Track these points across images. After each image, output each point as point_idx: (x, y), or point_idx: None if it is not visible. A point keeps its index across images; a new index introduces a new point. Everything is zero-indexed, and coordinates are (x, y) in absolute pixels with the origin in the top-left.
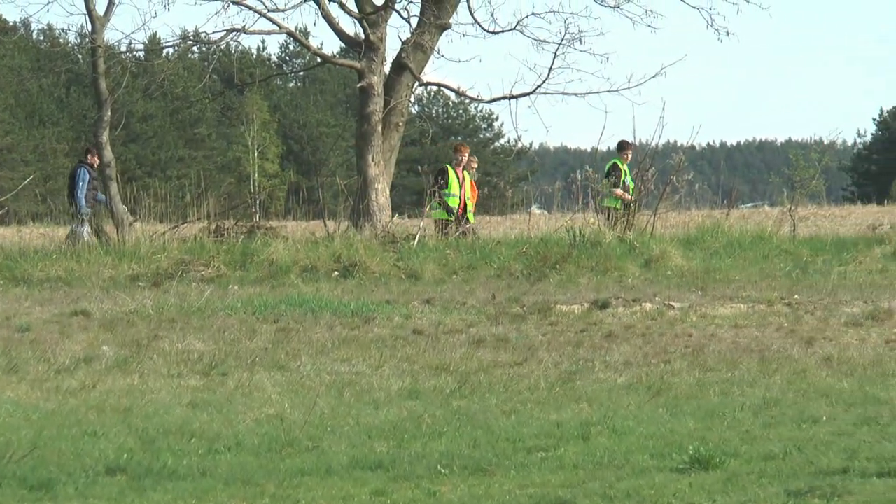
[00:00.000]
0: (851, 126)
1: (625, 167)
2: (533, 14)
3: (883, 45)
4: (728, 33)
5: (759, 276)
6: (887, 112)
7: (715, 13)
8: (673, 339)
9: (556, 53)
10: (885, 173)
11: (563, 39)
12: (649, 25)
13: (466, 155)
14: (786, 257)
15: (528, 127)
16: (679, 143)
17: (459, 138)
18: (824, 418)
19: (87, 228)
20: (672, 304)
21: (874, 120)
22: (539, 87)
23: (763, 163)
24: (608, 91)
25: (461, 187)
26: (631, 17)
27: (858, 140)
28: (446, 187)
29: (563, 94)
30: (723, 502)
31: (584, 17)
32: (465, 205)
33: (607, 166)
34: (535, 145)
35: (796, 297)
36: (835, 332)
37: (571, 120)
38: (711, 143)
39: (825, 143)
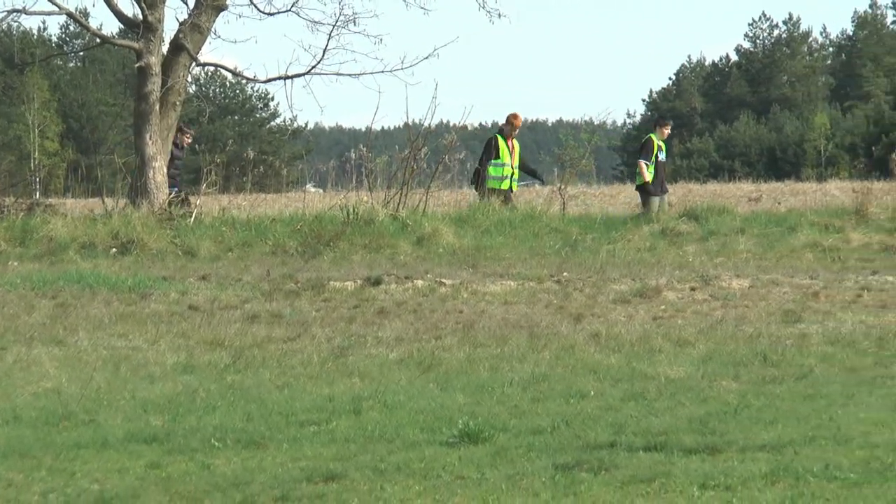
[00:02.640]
0: (621, 106)
1: (660, 142)
2: None
3: (651, 26)
4: (500, 15)
5: (530, 253)
6: (656, 93)
7: None
8: (444, 316)
9: (330, 35)
10: None
11: (337, 21)
12: (422, 7)
13: (519, 125)
14: (555, 235)
15: (304, 107)
16: (451, 123)
17: (237, 117)
18: (592, 393)
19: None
20: (443, 281)
21: (643, 101)
22: (314, 67)
23: (534, 143)
24: (382, 72)
25: (511, 156)
26: None
27: (628, 120)
28: (497, 157)
29: (337, 74)
30: (491, 475)
31: None
32: (514, 174)
33: (643, 140)
34: (311, 125)
35: (565, 274)
36: (603, 308)
37: (346, 100)
38: (483, 123)
39: (595, 123)
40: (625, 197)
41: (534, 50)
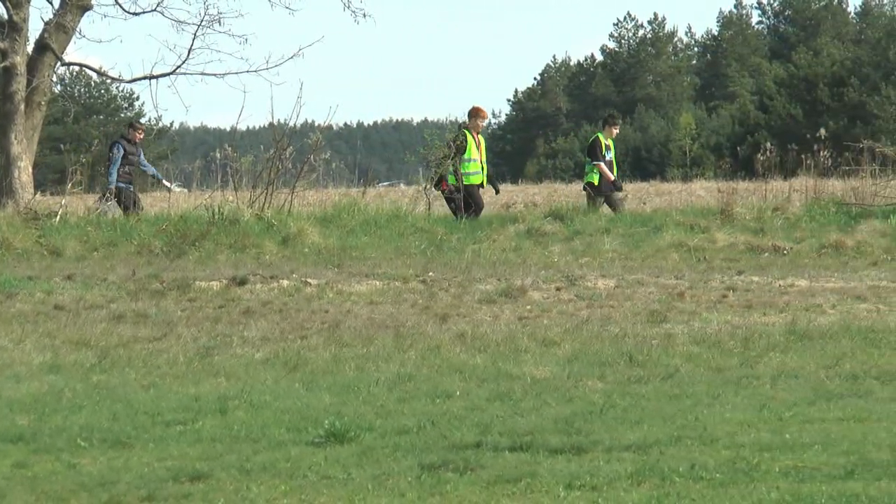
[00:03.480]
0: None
1: (607, 142)
2: None
3: (516, 26)
4: (365, 15)
5: (395, 253)
6: (521, 93)
7: None
8: (310, 316)
9: (195, 34)
10: (519, 153)
11: (202, 21)
12: (287, 7)
13: (486, 117)
14: (421, 235)
15: (169, 106)
16: (317, 123)
17: (102, 117)
18: (458, 393)
19: (112, 204)
20: (309, 280)
21: (509, 101)
22: (179, 67)
23: (399, 142)
24: (247, 72)
25: (478, 151)
26: None
27: (493, 120)
28: (464, 152)
29: (202, 74)
30: (357, 475)
31: None
32: (483, 168)
33: (590, 139)
34: (176, 124)
35: (431, 274)
36: (468, 308)
37: (211, 100)
38: (349, 122)
39: (460, 122)
40: (489, 197)
41: (399, 49)
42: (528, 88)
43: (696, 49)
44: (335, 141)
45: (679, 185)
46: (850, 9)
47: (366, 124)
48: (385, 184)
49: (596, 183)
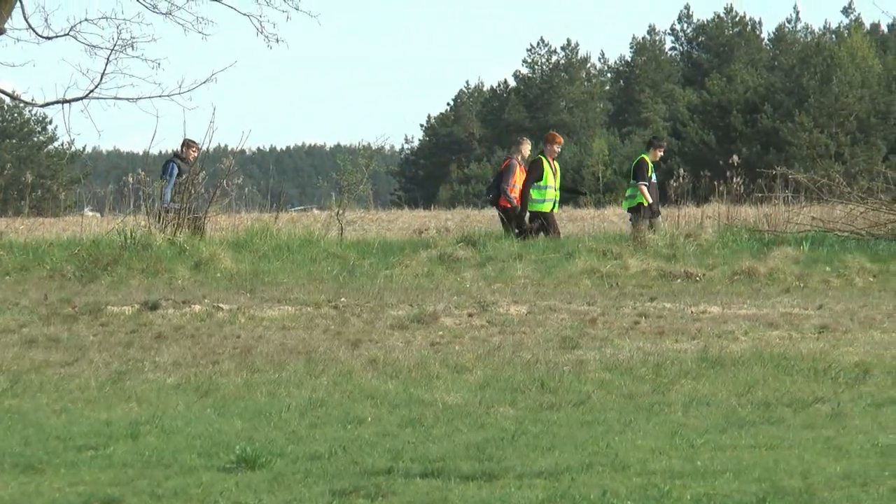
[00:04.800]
0: (399, 132)
1: (651, 164)
2: (86, 20)
3: (430, 51)
4: (278, 40)
5: (307, 278)
6: (434, 118)
7: (265, 20)
8: (222, 341)
9: (108, 59)
10: (431, 178)
11: (115, 45)
12: (200, 32)
13: (561, 143)
14: (333, 260)
15: (82, 131)
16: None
17: (14, 141)
18: (369, 419)
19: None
20: (221, 305)
21: (421, 126)
22: (92, 91)
23: (312, 167)
24: (160, 96)
25: (554, 178)
26: (182, 23)
27: (406, 145)
28: (541, 179)
29: (115, 98)
30: (269, 501)
31: (137, 24)
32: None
33: (635, 160)
34: (89, 149)
35: (343, 299)
36: (381, 334)
37: (124, 124)
38: (262, 147)
39: (373, 147)
40: (402, 222)
41: (312, 74)
42: (442, 114)
43: (609, 75)
44: (248, 166)
45: (592, 211)
46: (764, 35)
47: (279, 149)
48: (298, 208)
49: (646, 204)
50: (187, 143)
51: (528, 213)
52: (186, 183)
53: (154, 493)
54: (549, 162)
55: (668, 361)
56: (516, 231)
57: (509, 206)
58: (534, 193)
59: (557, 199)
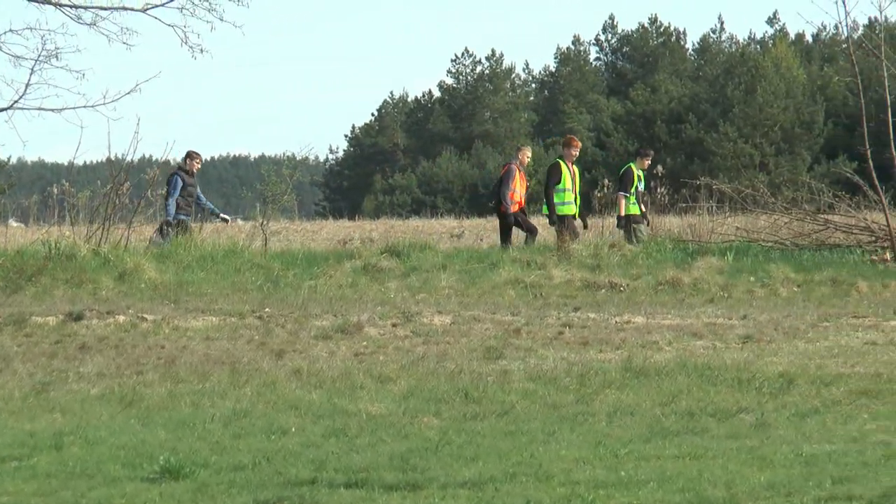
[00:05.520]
0: (324, 142)
1: (639, 172)
2: (10, 31)
3: (354, 62)
4: (202, 51)
5: (231, 289)
6: (358, 129)
7: (189, 31)
8: (146, 351)
9: (33, 69)
10: (356, 189)
11: (40, 55)
12: (125, 43)
13: (579, 146)
14: (257, 271)
15: (6, 141)
16: (154, 158)
17: None
18: (293, 429)
19: (169, 239)
20: (145, 316)
21: (346, 136)
22: (16, 102)
23: (237, 178)
24: (84, 107)
25: (572, 181)
26: (107, 34)
27: (330, 156)
28: (560, 182)
29: (39, 109)
30: None
31: (62, 34)
32: (577, 199)
33: (621, 170)
34: (13, 159)
35: (267, 310)
36: (305, 344)
37: (49, 134)
38: None
39: (297, 158)
40: (326, 233)
41: (236, 85)
42: (366, 124)
43: (533, 85)
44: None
45: None
46: (689, 45)
47: (204, 159)
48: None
49: (637, 213)
50: (190, 155)
51: (556, 216)
52: (192, 194)
53: (77, 503)
54: (567, 165)
55: (593, 371)
56: (504, 240)
57: (505, 211)
58: (554, 197)
59: (578, 202)
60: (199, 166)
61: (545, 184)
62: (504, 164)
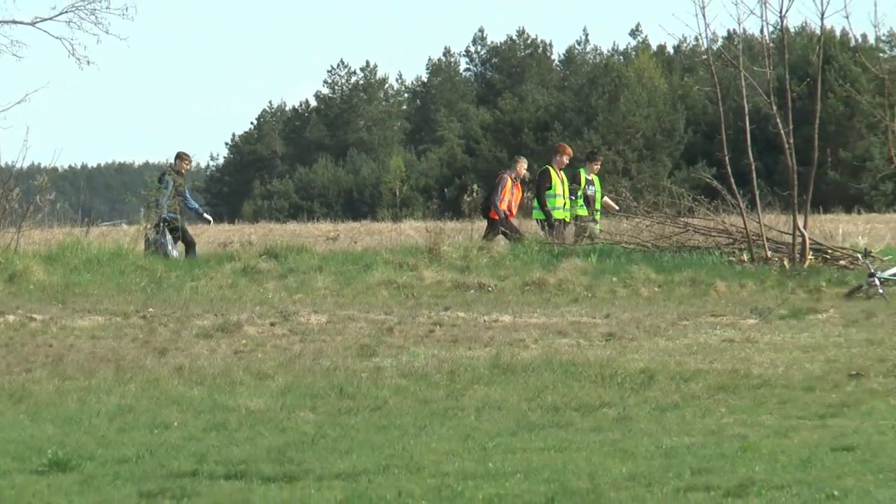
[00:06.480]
0: (205, 150)
1: (589, 176)
2: None
3: (233, 72)
4: (89, 62)
5: (117, 290)
6: (238, 137)
7: (76, 43)
8: (34, 350)
9: None
10: (236, 194)
11: None
12: (14, 54)
13: (570, 154)
14: (141, 273)
15: None
16: (42, 165)
17: None
18: (176, 424)
19: (169, 238)
20: (34, 316)
21: (226, 144)
22: None
23: (122, 184)
24: None
25: (563, 186)
26: None
27: (211, 163)
28: (550, 188)
29: None
30: (79, 502)
31: None
32: (566, 204)
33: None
34: None
35: (151, 310)
36: (187, 343)
37: None
38: (73, 165)
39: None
40: (208, 236)
41: (123, 94)
42: (245, 132)
43: (406, 95)
44: (60, 182)
45: (389, 224)
46: (555, 56)
47: (90, 167)
48: (108, 224)
49: (584, 214)
50: (180, 156)
51: (553, 220)
52: (181, 193)
53: None
54: (556, 171)
55: (462, 368)
56: (489, 237)
57: (497, 217)
58: (547, 202)
59: (568, 206)
60: (188, 167)
61: (537, 190)
62: (499, 174)
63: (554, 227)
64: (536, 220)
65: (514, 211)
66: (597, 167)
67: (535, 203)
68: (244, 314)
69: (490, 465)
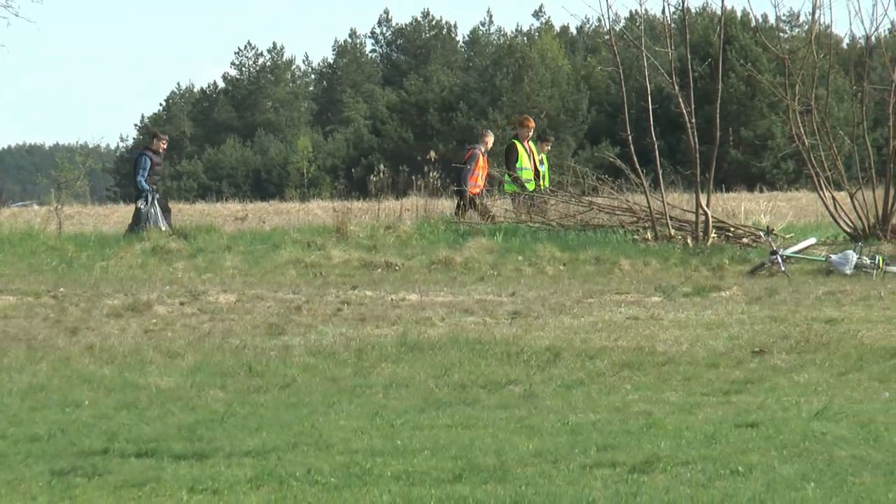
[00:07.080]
0: (114, 131)
1: (541, 156)
2: None
3: (141, 52)
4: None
5: (28, 270)
6: (147, 117)
7: None
8: None
9: None
10: None
11: None
12: None
13: (532, 126)
14: (52, 253)
15: None
16: None
17: None
18: (87, 403)
19: (158, 210)
20: None
21: (135, 125)
22: None
23: (33, 165)
24: None
25: (531, 159)
26: None
27: (121, 143)
28: (517, 161)
29: None
30: None
31: None
32: (537, 174)
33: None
34: None
35: (62, 289)
36: (98, 322)
37: None
38: None
39: (90, 146)
40: (118, 217)
41: (32, 76)
42: (155, 114)
43: (313, 76)
44: None
45: (297, 204)
46: (459, 38)
47: (0, 148)
48: (18, 204)
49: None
50: (156, 135)
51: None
52: (159, 172)
53: None
54: (522, 144)
55: (370, 346)
56: (459, 210)
57: (475, 193)
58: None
59: (536, 176)
60: (166, 146)
61: (505, 164)
62: (469, 148)
63: (525, 201)
64: (508, 193)
65: (483, 184)
66: (547, 147)
67: (507, 177)
68: (154, 294)
69: (398, 442)
